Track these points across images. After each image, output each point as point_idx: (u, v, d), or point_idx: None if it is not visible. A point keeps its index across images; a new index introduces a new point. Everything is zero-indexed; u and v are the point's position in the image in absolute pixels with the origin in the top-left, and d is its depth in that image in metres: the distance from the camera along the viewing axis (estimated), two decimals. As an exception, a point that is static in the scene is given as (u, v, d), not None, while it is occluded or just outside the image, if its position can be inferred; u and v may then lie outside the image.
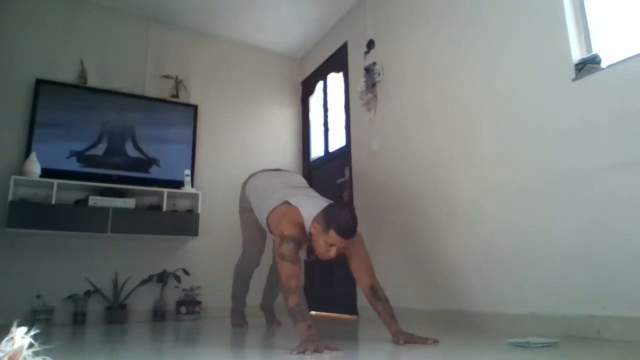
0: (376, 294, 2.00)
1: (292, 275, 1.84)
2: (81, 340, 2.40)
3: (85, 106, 3.52)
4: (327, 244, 1.91)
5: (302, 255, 2.13)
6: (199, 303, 3.57)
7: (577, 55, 2.06)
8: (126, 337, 2.51)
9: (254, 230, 2.62)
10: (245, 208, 2.62)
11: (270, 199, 2.28)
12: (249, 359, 1.83)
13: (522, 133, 2.26)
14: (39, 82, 3.37)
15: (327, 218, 1.91)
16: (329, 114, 4.23)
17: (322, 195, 2.37)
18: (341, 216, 1.89)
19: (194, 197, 3.74)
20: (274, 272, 2.86)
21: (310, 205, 2.09)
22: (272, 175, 2.60)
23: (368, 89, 3.48)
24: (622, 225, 1.78)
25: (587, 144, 1.94)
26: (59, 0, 3.67)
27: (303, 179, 2.70)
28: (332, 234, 1.87)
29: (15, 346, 0.79)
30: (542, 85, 2.18)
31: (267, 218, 2.26)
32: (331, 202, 2.15)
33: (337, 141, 4.03)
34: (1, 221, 3.07)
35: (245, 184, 2.68)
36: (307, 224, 2.02)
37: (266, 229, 2.37)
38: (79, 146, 3.44)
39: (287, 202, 2.15)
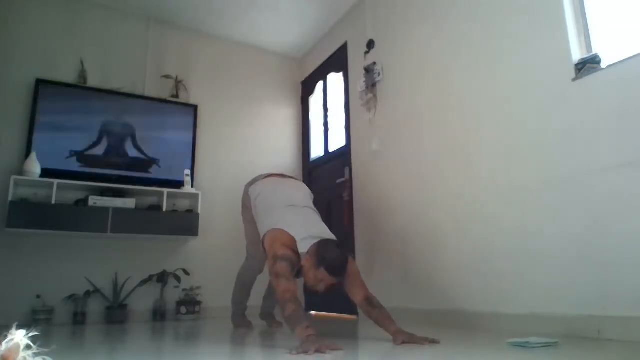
0: (371, 303, 2.02)
1: (287, 289, 1.91)
2: (81, 340, 2.40)
3: (85, 106, 3.52)
4: (318, 279, 1.99)
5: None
6: (199, 303, 3.57)
7: (577, 55, 2.06)
8: (126, 337, 2.51)
9: (257, 231, 2.58)
10: (247, 207, 2.61)
11: (267, 218, 2.28)
12: (249, 359, 1.83)
13: (522, 133, 2.26)
14: (39, 82, 3.37)
15: (318, 256, 1.98)
16: (329, 114, 4.23)
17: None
18: (332, 256, 1.97)
19: (194, 197, 3.74)
20: None
21: (303, 225, 2.17)
22: (277, 184, 2.56)
23: (368, 89, 3.48)
24: (621, 225, 1.78)
25: (587, 144, 1.94)
26: (59, 0, 3.67)
27: (306, 189, 2.63)
28: (323, 271, 1.95)
29: (11, 344, 0.79)
30: (542, 85, 2.18)
31: (263, 236, 2.27)
32: (323, 226, 2.26)
33: (337, 141, 4.03)
34: (1, 221, 3.07)
35: (248, 185, 2.65)
36: (300, 246, 2.06)
37: (262, 245, 2.36)
38: (79, 146, 3.44)
39: (280, 229, 2.16)
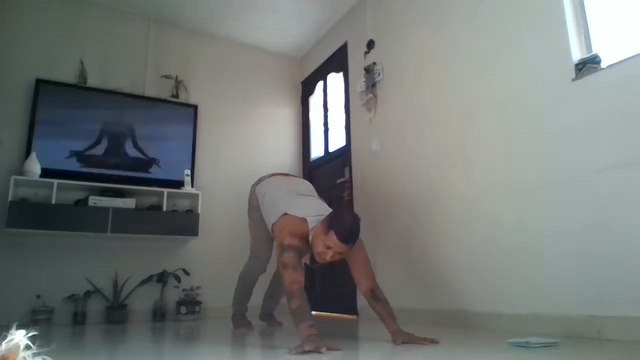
0: (376, 296, 2.01)
1: (294, 280, 1.88)
2: (81, 340, 2.40)
3: (85, 106, 3.52)
4: (325, 246, 1.94)
5: (306, 260, 2.14)
6: (199, 303, 3.57)
7: (577, 55, 2.06)
8: (126, 337, 2.51)
9: (263, 231, 2.57)
10: (254, 207, 2.61)
11: (277, 207, 2.28)
12: (249, 359, 1.83)
13: (521, 133, 2.26)
14: (39, 82, 3.37)
15: (330, 220, 1.96)
16: (329, 114, 4.23)
17: (321, 195, 2.38)
18: (345, 221, 1.94)
19: (194, 197, 3.74)
20: (276, 279, 2.84)
21: (312, 207, 2.16)
22: (281, 180, 2.59)
23: (368, 89, 3.47)
24: (621, 225, 1.78)
25: (586, 144, 1.94)
26: (59, 0, 3.67)
27: (311, 186, 2.65)
28: (332, 235, 1.91)
29: (11, 344, 0.79)
30: (542, 85, 2.18)
31: (272, 225, 2.28)
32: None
33: (337, 141, 4.03)
34: (1, 221, 3.07)
35: (255, 185, 2.67)
36: (310, 223, 2.04)
37: (272, 234, 2.38)
38: (79, 146, 3.44)
39: (288, 213, 2.15)
